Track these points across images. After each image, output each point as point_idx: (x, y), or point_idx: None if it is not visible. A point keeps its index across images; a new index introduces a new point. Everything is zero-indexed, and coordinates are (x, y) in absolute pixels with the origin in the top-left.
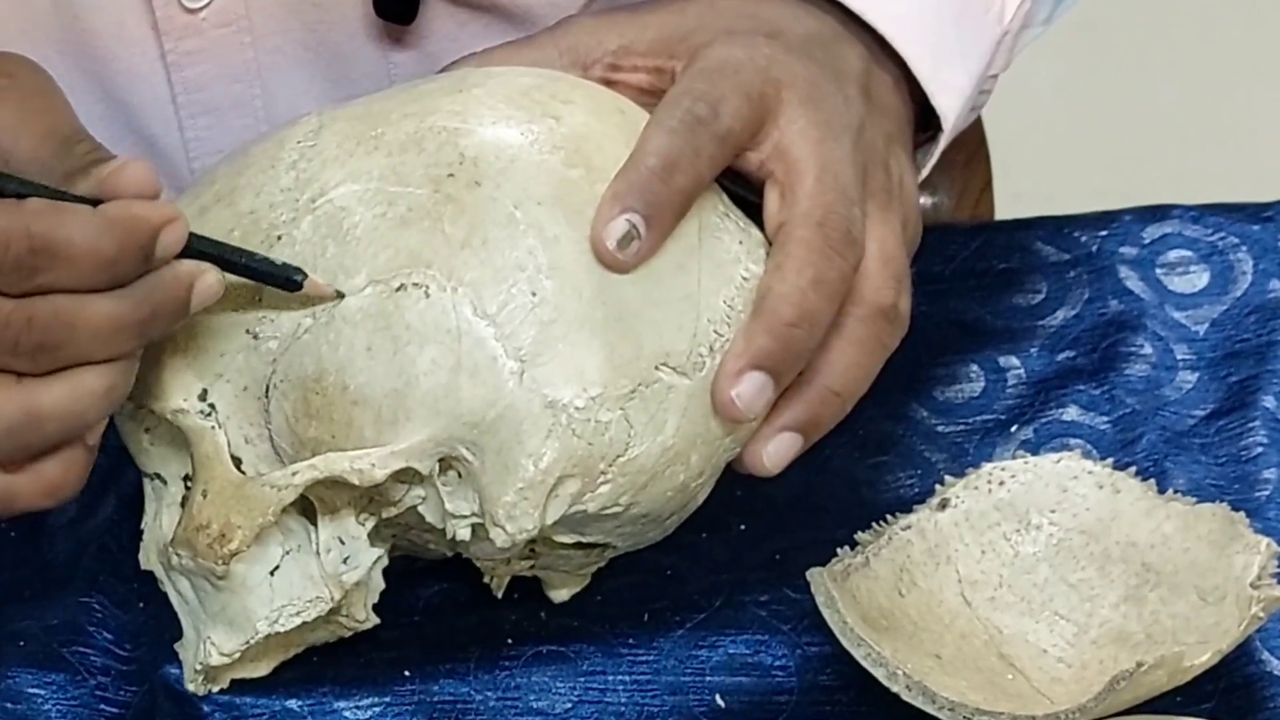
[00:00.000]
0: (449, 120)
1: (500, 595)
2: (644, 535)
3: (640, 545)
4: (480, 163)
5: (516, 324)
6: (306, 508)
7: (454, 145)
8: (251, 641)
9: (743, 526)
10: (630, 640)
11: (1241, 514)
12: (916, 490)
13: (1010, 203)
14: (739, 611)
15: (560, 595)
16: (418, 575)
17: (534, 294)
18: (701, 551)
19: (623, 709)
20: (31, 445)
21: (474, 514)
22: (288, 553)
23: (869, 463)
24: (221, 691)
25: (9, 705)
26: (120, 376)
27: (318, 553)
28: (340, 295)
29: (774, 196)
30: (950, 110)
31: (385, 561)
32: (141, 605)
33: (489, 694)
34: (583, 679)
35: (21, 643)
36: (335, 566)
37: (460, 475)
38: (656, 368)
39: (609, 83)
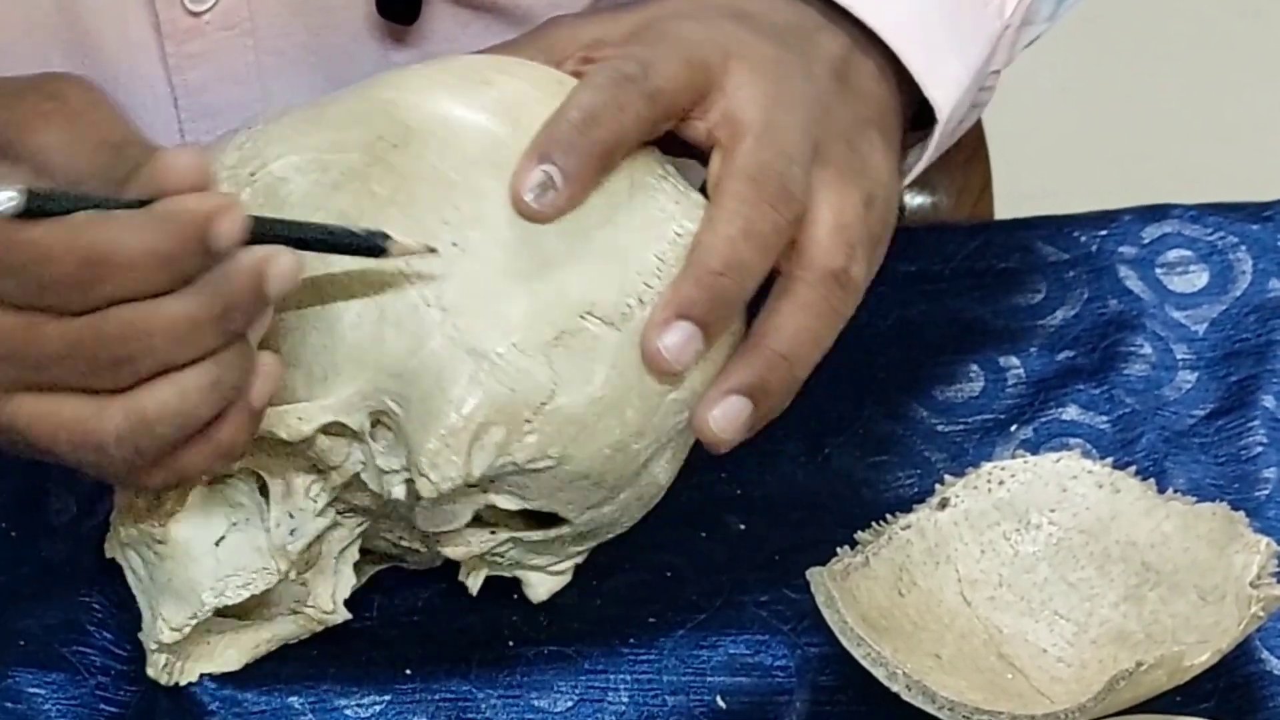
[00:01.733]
0: (387, 92)
1: (475, 593)
2: (599, 509)
3: (600, 526)
4: (410, 125)
5: (439, 274)
6: (262, 486)
7: (386, 113)
8: (200, 615)
9: (742, 526)
10: (631, 640)
11: (1241, 513)
12: (916, 490)
13: (1010, 202)
14: (739, 612)
15: (539, 594)
16: (419, 575)
17: (455, 245)
18: (701, 551)
19: (624, 709)
20: (144, 451)
21: (403, 468)
22: (235, 524)
23: (869, 462)
24: (222, 690)
25: (9, 705)
26: (225, 369)
27: (268, 528)
28: (432, 250)
29: (716, 158)
30: (945, 101)
31: (356, 555)
32: None
33: (490, 692)
34: (584, 678)
35: (22, 642)
36: (283, 538)
37: (392, 432)
38: (581, 316)
39: (581, 75)
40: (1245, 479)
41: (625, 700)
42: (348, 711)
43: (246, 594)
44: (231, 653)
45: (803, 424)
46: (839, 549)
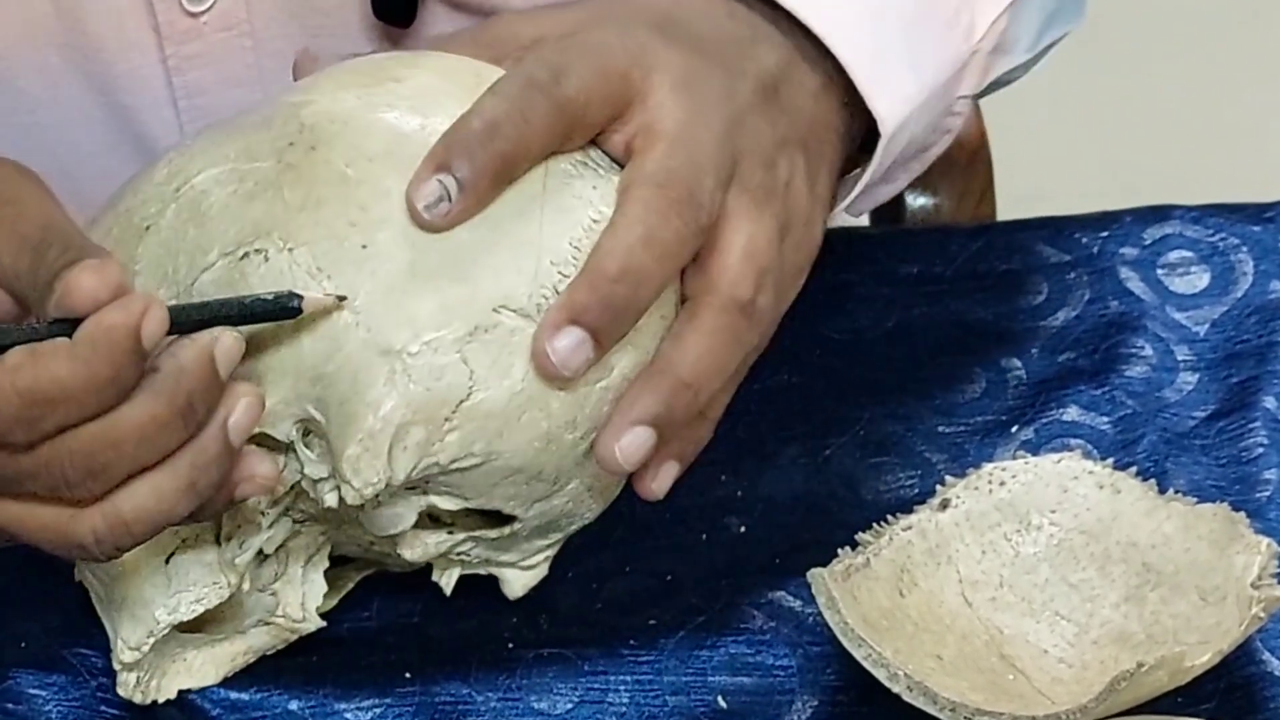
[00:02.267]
0: (295, 96)
1: (449, 592)
2: (546, 501)
3: (555, 518)
4: (316, 128)
5: (349, 277)
6: None
7: (295, 117)
8: (157, 634)
9: (743, 528)
10: (631, 642)
11: (1242, 514)
12: (917, 490)
13: (1011, 204)
14: (740, 613)
15: (515, 590)
16: (417, 578)
17: (365, 246)
18: (701, 553)
19: (624, 710)
20: (124, 547)
21: (331, 475)
22: (184, 540)
23: (869, 463)
24: (222, 694)
25: (10, 706)
26: (201, 472)
27: (218, 542)
28: (342, 299)
29: (629, 166)
30: (891, 115)
31: (325, 563)
32: None
33: (490, 694)
34: (584, 679)
35: (23, 644)
36: (231, 552)
37: (322, 439)
38: (495, 310)
39: None
40: (1246, 480)
41: (625, 702)
42: (347, 715)
43: (201, 609)
44: (208, 667)
45: (804, 425)
46: (840, 550)
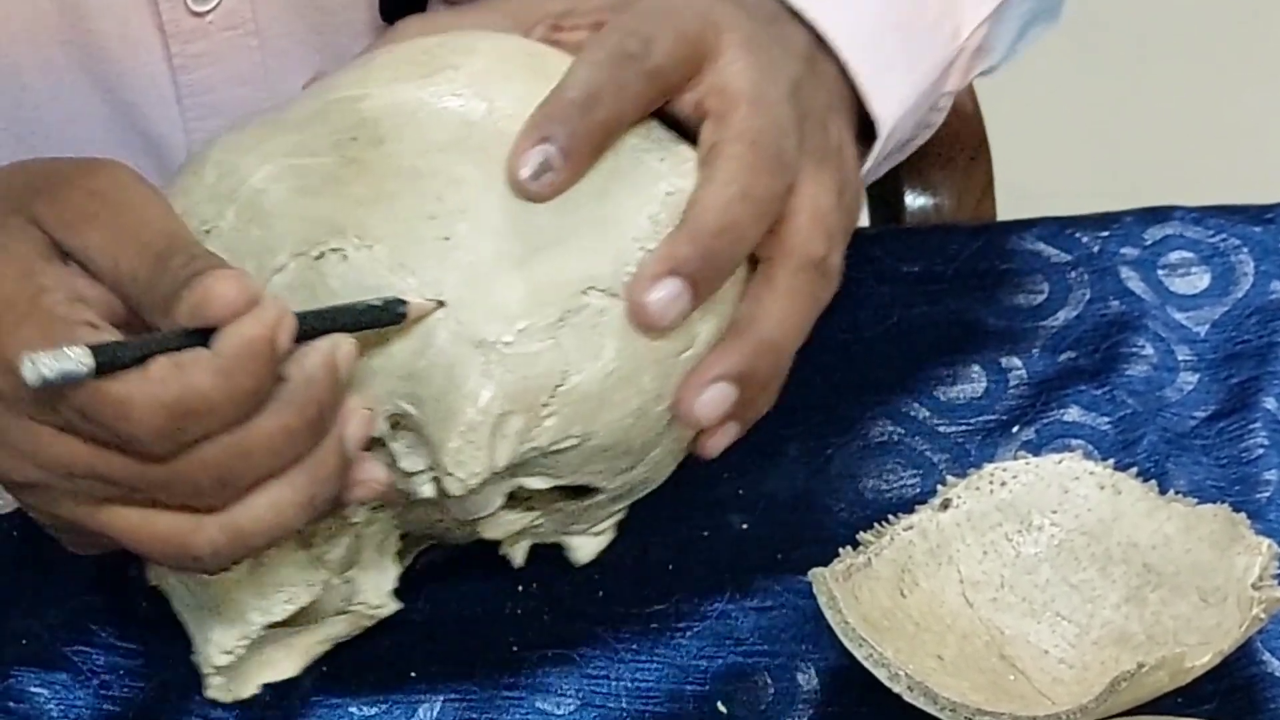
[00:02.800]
0: (350, 89)
1: (520, 564)
2: (630, 472)
3: (634, 486)
4: (380, 122)
5: (433, 271)
6: None
7: (355, 110)
8: (250, 635)
9: (744, 525)
10: (633, 643)
11: (1242, 515)
12: (918, 490)
13: (1011, 203)
14: (741, 611)
15: (583, 556)
16: (421, 576)
17: (447, 238)
18: (703, 550)
19: (624, 711)
20: (241, 559)
21: (429, 468)
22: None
23: (870, 462)
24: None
25: (11, 704)
26: (320, 486)
27: (304, 538)
28: (441, 304)
29: (708, 125)
30: (887, 116)
31: (397, 545)
32: (144, 605)
33: (493, 693)
34: (587, 682)
35: (24, 642)
36: (319, 549)
37: (413, 432)
38: (583, 292)
39: (551, 43)
40: (1246, 481)
41: (625, 703)
42: (352, 709)
43: (293, 609)
44: (286, 660)
45: (805, 424)
46: (841, 549)
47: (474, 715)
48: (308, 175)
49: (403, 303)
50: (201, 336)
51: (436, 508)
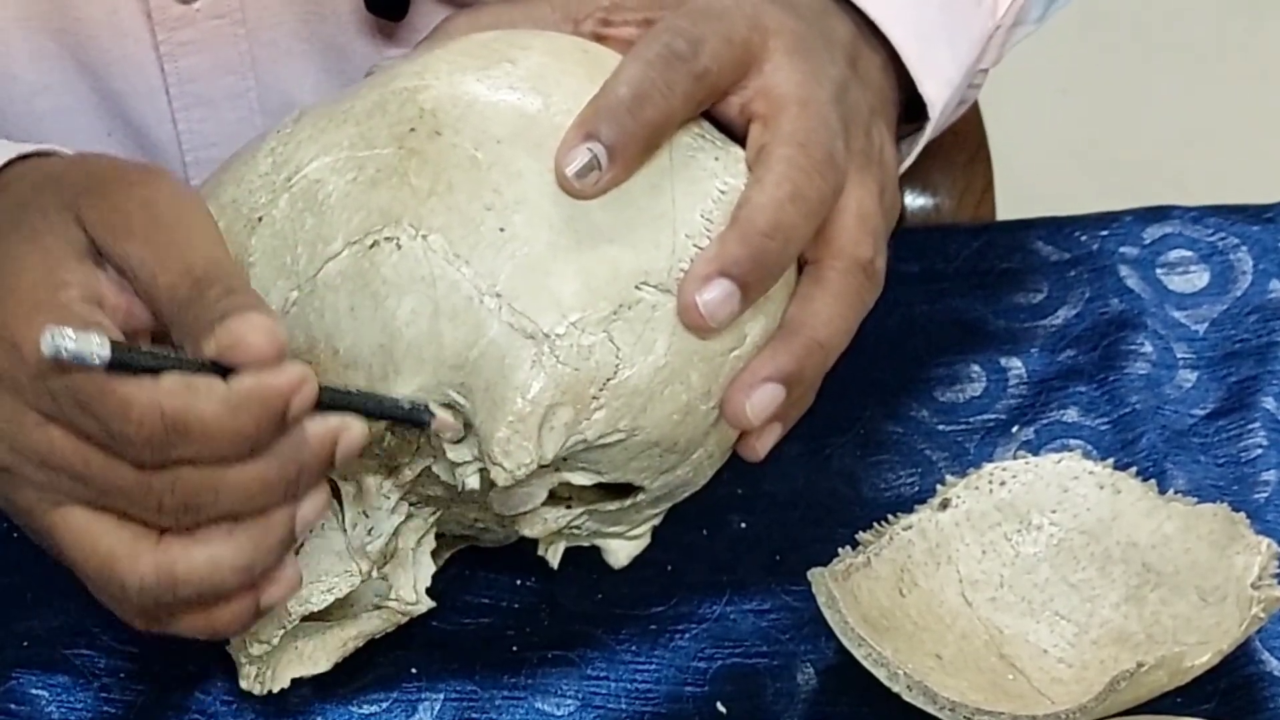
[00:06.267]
0: (408, 81)
1: (556, 565)
2: (673, 472)
3: (675, 487)
4: (439, 113)
5: (488, 261)
6: (334, 490)
7: (414, 102)
8: (287, 625)
9: (743, 525)
10: (632, 644)
11: (1242, 515)
12: (917, 490)
13: (1011, 203)
14: (739, 612)
15: (620, 559)
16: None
17: (502, 229)
18: (702, 550)
19: (624, 712)
20: (163, 604)
21: (475, 458)
22: (311, 531)
23: (870, 462)
24: (230, 687)
25: (13, 706)
26: (263, 555)
27: (344, 529)
28: (467, 426)
29: (757, 127)
30: (937, 98)
31: (433, 543)
32: None
33: (494, 692)
34: (586, 683)
35: (25, 644)
36: (361, 539)
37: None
38: (637, 287)
39: (599, 38)
40: (1245, 481)
41: (625, 704)
42: (352, 707)
43: (331, 599)
44: (320, 654)
45: (804, 424)
46: (840, 549)
47: (474, 715)
48: (365, 166)
49: (429, 411)
50: (221, 371)
51: (475, 505)
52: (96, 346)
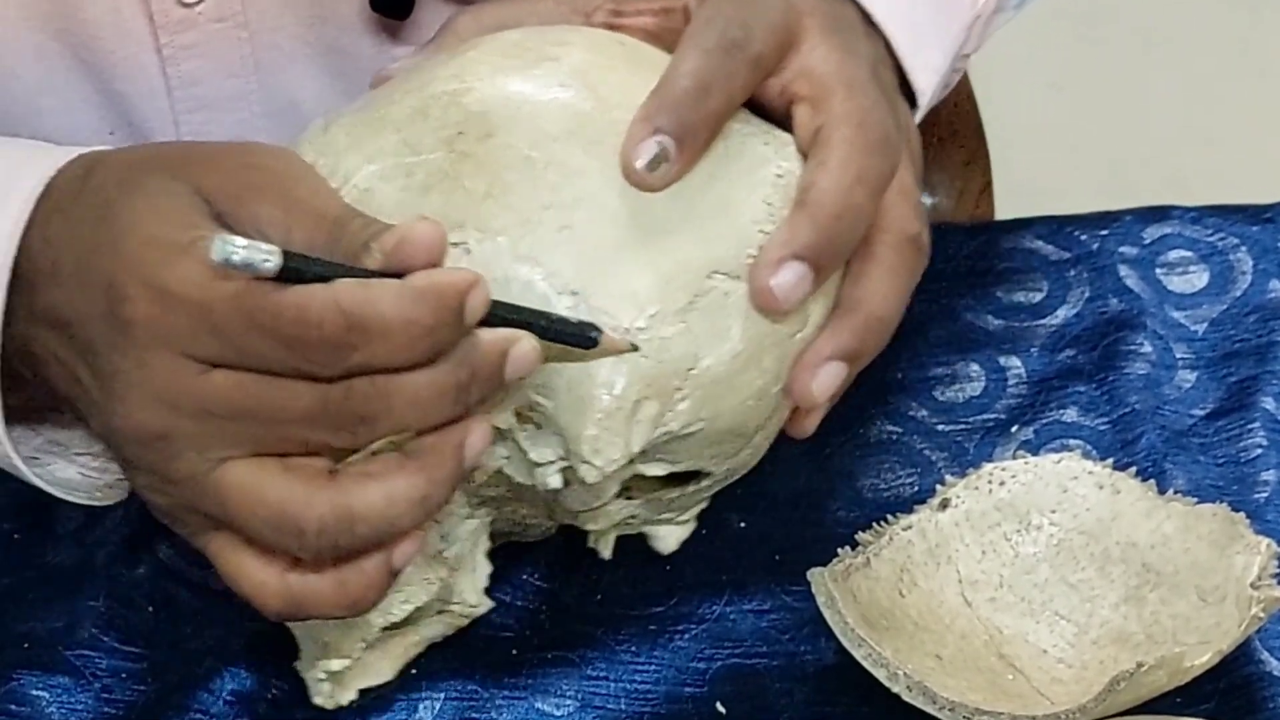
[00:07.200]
0: (447, 84)
1: (609, 555)
2: (736, 456)
3: (736, 472)
4: (488, 114)
5: (559, 260)
6: None
7: (458, 105)
8: (369, 639)
9: (742, 524)
10: (631, 645)
11: (1241, 515)
12: (917, 490)
13: (1010, 203)
14: (739, 612)
15: (669, 545)
16: None
17: (567, 227)
18: (702, 549)
19: (624, 713)
20: (340, 546)
21: (559, 458)
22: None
23: (870, 462)
24: (232, 687)
25: (13, 707)
26: (435, 487)
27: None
28: (634, 348)
29: (804, 109)
30: (928, 88)
31: (488, 543)
32: (151, 609)
33: (494, 692)
34: (586, 683)
35: (26, 645)
36: (435, 546)
37: (538, 424)
38: (709, 276)
39: (611, 29)
40: (1244, 481)
41: (624, 705)
42: (354, 707)
43: (410, 609)
44: (384, 663)
45: None
46: (840, 549)
47: (474, 715)
48: (416, 172)
49: (598, 329)
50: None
51: (530, 502)
52: (266, 252)
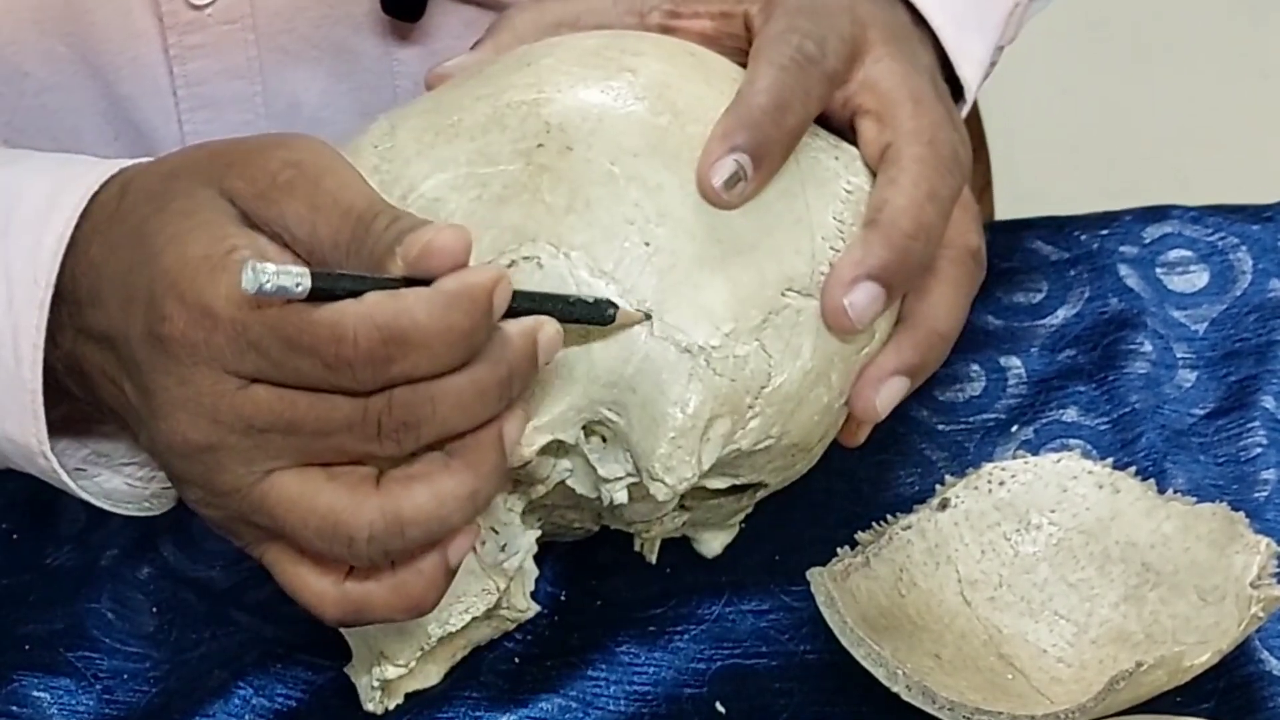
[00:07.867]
0: (525, 94)
1: (654, 559)
2: (794, 467)
3: (791, 479)
4: (567, 127)
5: (636, 276)
6: None
7: (537, 116)
8: (426, 648)
9: (742, 524)
10: (630, 644)
11: (1241, 514)
12: (916, 489)
13: (1010, 203)
14: (738, 612)
15: (713, 548)
16: None
17: (647, 244)
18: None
19: (623, 712)
20: (393, 551)
21: (628, 474)
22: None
23: (869, 461)
24: (231, 694)
25: (14, 708)
26: (483, 482)
27: (474, 547)
28: (648, 316)
29: (869, 123)
30: (973, 80)
31: (535, 548)
32: (154, 611)
33: (495, 692)
34: (587, 683)
35: (27, 646)
36: (494, 556)
37: (605, 439)
38: (783, 294)
39: (667, 30)
40: (1244, 480)
41: (624, 705)
42: (355, 708)
43: (469, 618)
44: (431, 668)
45: None
46: (839, 549)
47: (474, 712)
48: (491, 183)
49: (613, 305)
50: (415, 287)
51: (585, 508)
52: (296, 276)
